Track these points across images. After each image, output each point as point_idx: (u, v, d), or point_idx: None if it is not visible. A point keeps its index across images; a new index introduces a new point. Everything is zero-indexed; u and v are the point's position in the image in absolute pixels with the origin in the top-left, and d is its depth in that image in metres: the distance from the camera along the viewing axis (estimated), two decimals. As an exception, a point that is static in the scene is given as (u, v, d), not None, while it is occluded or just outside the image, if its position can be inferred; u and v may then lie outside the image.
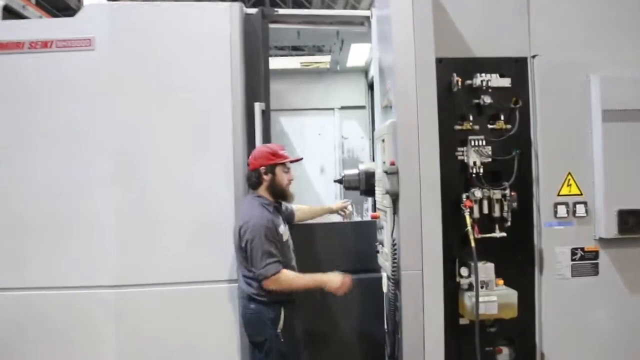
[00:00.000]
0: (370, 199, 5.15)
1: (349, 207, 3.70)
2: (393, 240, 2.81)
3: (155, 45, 3.35)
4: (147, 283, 3.29)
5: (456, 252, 2.91)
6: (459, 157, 2.93)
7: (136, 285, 3.27)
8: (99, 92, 3.30)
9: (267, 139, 3.52)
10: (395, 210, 2.79)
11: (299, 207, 3.53)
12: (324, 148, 5.13)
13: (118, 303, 3.27)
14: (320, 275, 2.97)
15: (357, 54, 4.56)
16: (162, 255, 3.30)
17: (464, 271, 2.86)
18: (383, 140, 2.95)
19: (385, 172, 2.76)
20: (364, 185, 4.06)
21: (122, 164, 3.30)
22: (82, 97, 3.29)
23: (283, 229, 3.04)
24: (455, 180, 2.92)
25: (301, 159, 3.29)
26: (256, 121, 3.41)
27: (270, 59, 3.66)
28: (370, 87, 5.21)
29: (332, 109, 5.17)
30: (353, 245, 3.59)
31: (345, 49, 4.42)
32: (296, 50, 4.83)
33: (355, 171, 4.12)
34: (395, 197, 2.77)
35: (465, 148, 2.93)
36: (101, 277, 3.27)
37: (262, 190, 3.05)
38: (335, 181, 4.18)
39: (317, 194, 5.13)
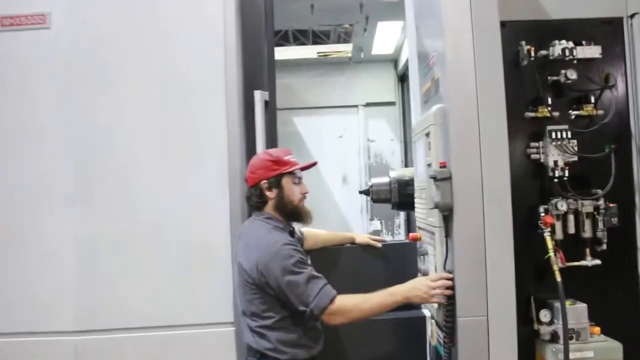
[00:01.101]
0: (402, 214, 4.43)
1: (378, 244, 2.86)
2: (448, 272, 2.06)
3: (126, 24, 2.67)
4: (117, 327, 2.58)
5: (530, 287, 2.15)
6: (533, 156, 2.18)
7: (102, 330, 2.57)
8: (54, 81, 2.63)
9: (272, 138, 2.81)
10: (447, 231, 2.03)
11: (310, 231, 2.79)
12: (347, 153, 4.45)
13: (79, 353, 2.57)
14: (396, 288, 2.15)
15: (385, 37, 3.87)
16: (137, 290, 2.59)
17: (544, 315, 2.10)
18: (427, 135, 2.21)
19: (433, 177, 2.02)
20: (396, 196, 3.37)
21: (84, 174, 2.61)
22: (34, 86, 2.62)
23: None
24: (527, 188, 2.17)
25: (314, 163, 2.53)
26: (257, 114, 2.70)
27: (281, 48, 2.98)
28: (401, 79, 4.51)
29: (356, 106, 4.49)
30: (383, 274, 2.83)
31: (371, 29, 3.74)
32: (316, 38, 4.12)
33: (385, 179, 3.43)
34: (447, 213, 2.02)
35: (540, 143, 2.17)
36: (57, 321, 2.57)
37: (270, 210, 2.33)
38: (361, 192, 3.48)
39: (337, 207, 4.43)
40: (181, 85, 2.67)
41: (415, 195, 2.61)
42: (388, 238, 4.39)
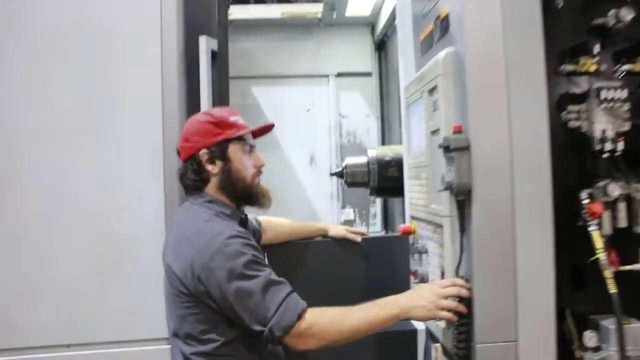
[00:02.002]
0: (379, 201, 3.88)
1: (358, 238, 2.29)
2: (462, 278, 1.51)
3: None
4: (6, 348, 1.97)
5: (566, 297, 1.61)
6: (571, 123, 1.63)
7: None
8: None
9: (222, 99, 2.21)
10: (462, 223, 1.48)
11: (270, 221, 2.21)
12: (315, 130, 3.85)
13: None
14: (390, 299, 1.55)
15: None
16: (45, 301, 1.98)
17: (589, 338, 1.56)
18: (431, 91, 1.64)
19: (445, 147, 1.45)
20: (376, 179, 2.86)
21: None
22: None
23: None
24: (562, 165, 1.62)
25: (271, 126, 1.93)
26: (201, 66, 2.11)
27: (239, 7, 2.38)
28: (379, 46, 3.94)
29: (326, 76, 3.90)
30: (365, 278, 2.28)
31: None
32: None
33: (362, 159, 2.90)
34: (463, 197, 1.46)
35: (582, 106, 1.62)
36: None
37: (213, 191, 1.73)
38: (332, 174, 2.94)
39: (303, 193, 3.84)
40: (102, 33, 2.06)
41: (407, 176, 2.05)
42: (362, 230, 3.83)
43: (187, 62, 2.16)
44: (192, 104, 2.15)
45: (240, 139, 1.72)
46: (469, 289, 1.47)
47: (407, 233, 1.95)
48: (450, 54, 1.54)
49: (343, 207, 3.86)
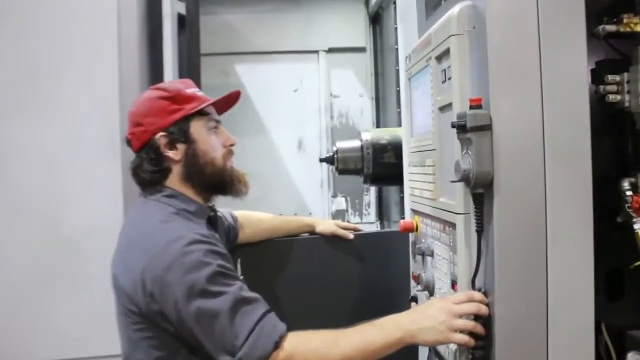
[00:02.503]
0: (373, 190, 3.59)
1: (349, 235, 2.01)
2: (480, 290, 1.21)
3: None
4: None
5: (602, 310, 1.32)
6: (611, 97, 1.32)
7: None
8: None
9: (193, 74, 1.90)
10: (481, 222, 1.18)
11: (248, 215, 1.93)
12: (303, 111, 3.54)
13: None
14: (391, 319, 1.28)
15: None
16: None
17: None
18: (440, 58, 1.34)
19: (460, 126, 1.15)
20: (370, 166, 2.58)
21: None
22: None
23: None
24: (598, 148, 1.32)
25: (236, 94, 1.62)
26: (164, 32, 1.80)
27: None
28: (374, 20, 3.62)
29: (316, 52, 3.58)
30: (358, 282, 2.00)
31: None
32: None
33: (355, 143, 2.61)
34: (482, 189, 1.16)
35: (625, 76, 1.32)
36: None
37: (176, 184, 1.42)
38: (322, 160, 2.65)
39: (291, 181, 3.53)
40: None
41: (409, 162, 1.75)
42: (354, 221, 3.55)
43: (151, 29, 1.86)
44: (157, 79, 1.85)
45: (203, 113, 1.43)
46: (488, 305, 1.18)
47: (408, 230, 1.66)
48: (467, 8, 1.23)
49: (334, 195, 3.56)
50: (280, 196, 3.48)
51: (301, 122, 3.53)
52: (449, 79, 1.28)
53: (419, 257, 1.61)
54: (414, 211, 1.68)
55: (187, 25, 1.91)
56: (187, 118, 1.40)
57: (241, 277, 1.46)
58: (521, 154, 1.14)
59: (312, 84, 3.55)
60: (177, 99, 1.40)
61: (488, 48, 1.15)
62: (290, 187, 3.51)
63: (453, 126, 1.16)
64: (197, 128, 1.41)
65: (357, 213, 3.58)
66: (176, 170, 1.41)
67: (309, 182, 3.53)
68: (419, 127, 1.60)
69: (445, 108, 1.32)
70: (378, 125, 3.56)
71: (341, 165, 2.62)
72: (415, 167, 1.64)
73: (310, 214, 3.52)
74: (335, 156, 2.61)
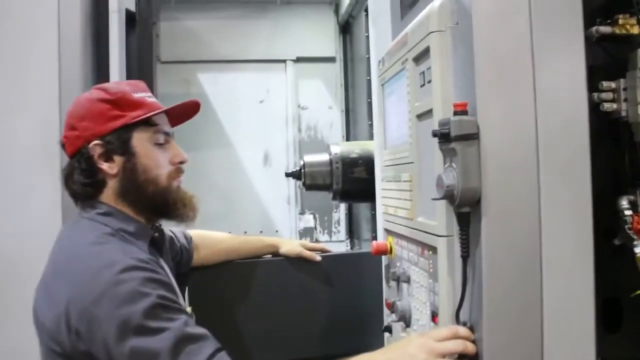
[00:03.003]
0: (343, 206, 3.43)
1: (316, 257, 1.85)
2: (465, 325, 1.05)
3: None
4: None
5: (599, 344, 1.18)
6: (606, 106, 1.19)
7: None
8: None
9: (143, 76, 1.73)
10: (466, 246, 1.02)
11: (204, 235, 1.76)
12: (270, 123, 3.37)
13: None
14: (367, 357, 1.10)
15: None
16: None
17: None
18: (417, 59, 1.20)
19: (443, 134, 0.99)
20: (339, 181, 2.43)
21: None
22: None
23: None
24: (593, 162, 1.18)
25: (193, 104, 1.42)
26: (110, 30, 1.62)
27: None
28: (344, 29, 3.50)
29: (283, 61, 3.42)
30: (327, 310, 1.84)
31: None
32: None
33: (323, 157, 2.47)
34: (468, 209, 1.01)
35: (621, 82, 1.19)
36: None
37: (112, 199, 1.24)
38: (288, 175, 2.49)
39: (256, 197, 3.35)
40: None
41: (382, 177, 1.60)
42: (323, 239, 3.38)
43: (96, 27, 1.68)
44: (102, 81, 1.66)
45: (150, 123, 1.24)
46: (475, 342, 1.03)
47: (381, 253, 1.50)
48: (449, 2, 1.09)
49: (302, 212, 3.39)
50: (245, 213, 3.30)
51: (267, 134, 3.36)
52: (429, 82, 1.13)
53: (393, 283, 1.45)
54: (388, 231, 1.52)
55: (138, 23, 1.74)
56: (129, 127, 1.21)
57: (189, 308, 1.28)
58: (513, 167, 1.00)
59: (279, 95, 3.39)
60: (120, 103, 1.22)
61: (474, 46, 1.01)
62: (255, 203, 3.33)
63: (435, 135, 1.01)
64: (140, 140, 1.23)
65: (326, 231, 3.41)
66: (111, 185, 1.22)
67: (275, 198, 3.36)
68: (394, 139, 1.46)
69: (424, 115, 1.17)
70: (348, 139, 3.42)
71: (309, 180, 2.46)
72: (389, 183, 1.48)
73: (276, 231, 3.34)
74: (303, 170, 2.45)
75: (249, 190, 3.33)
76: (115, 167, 1.21)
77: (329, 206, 3.41)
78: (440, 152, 1.05)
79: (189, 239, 1.68)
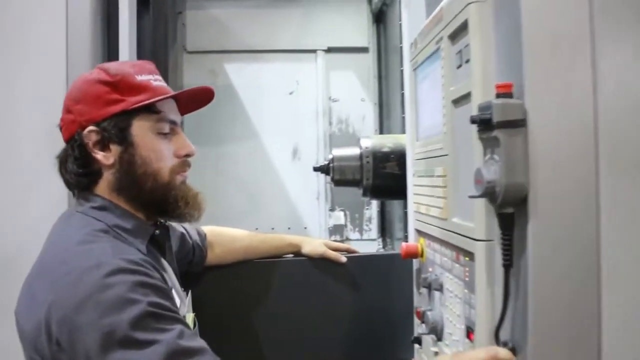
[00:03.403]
0: (375, 204, 3.28)
1: (342, 258, 1.71)
2: (506, 346, 0.89)
3: None
4: None
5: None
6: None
7: None
8: None
9: (157, 60, 1.61)
10: (510, 254, 0.86)
11: (219, 232, 1.66)
12: (299, 116, 3.24)
13: None
14: None
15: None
16: None
17: None
18: (455, 36, 1.04)
19: (484, 121, 0.84)
20: (370, 176, 2.29)
21: None
22: None
23: (174, 295, 1.13)
24: None
25: (205, 91, 1.26)
26: (121, 17, 1.51)
27: None
28: (377, 18, 3.34)
29: (314, 51, 3.29)
30: (351, 316, 1.70)
31: None
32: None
33: (354, 151, 2.33)
34: (512, 209, 0.85)
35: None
36: None
37: (106, 193, 1.13)
38: (316, 169, 2.36)
39: (284, 192, 3.23)
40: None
41: (412, 172, 1.45)
42: (354, 237, 3.24)
43: (106, 9, 1.57)
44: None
45: (153, 110, 1.12)
46: (518, 365, 0.88)
47: (411, 256, 1.35)
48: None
49: (332, 209, 3.25)
50: (272, 209, 3.18)
51: (296, 128, 3.23)
52: (467, 61, 0.98)
53: (424, 290, 1.30)
54: (419, 232, 1.37)
55: (152, 5, 1.63)
56: (129, 113, 1.09)
57: (191, 315, 1.16)
58: (567, 160, 0.84)
59: (309, 87, 3.25)
60: (120, 86, 1.10)
61: (522, 17, 0.85)
62: (283, 199, 3.21)
63: (473, 121, 0.86)
64: (141, 128, 1.10)
65: (356, 229, 3.27)
66: (107, 177, 1.10)
67: (304, 194, 3.23)
68: (427, 129, 1.30)
69: (461, 101, 1.02)
70: (381, 133, 3.27)
71: (337, 175, 2.33)
72: (421, 178, 1.33)
73: (305, 228, 3.21)
74: (331, 165, 2.32)
75: (276, 186, 3.20)
76: (112, 157, 1.09)
77: (361, 203, 3.26)
78: (479, 143, 0.89)
79: (202, 236, 1.56)
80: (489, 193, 0.84)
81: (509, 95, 0.84)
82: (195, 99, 1.27)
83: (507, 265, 0.87)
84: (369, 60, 3.31)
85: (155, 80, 1.15)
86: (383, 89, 3.33)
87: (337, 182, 2.35)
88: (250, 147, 3.19)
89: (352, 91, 3.29)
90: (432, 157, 1.21)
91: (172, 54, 3.18)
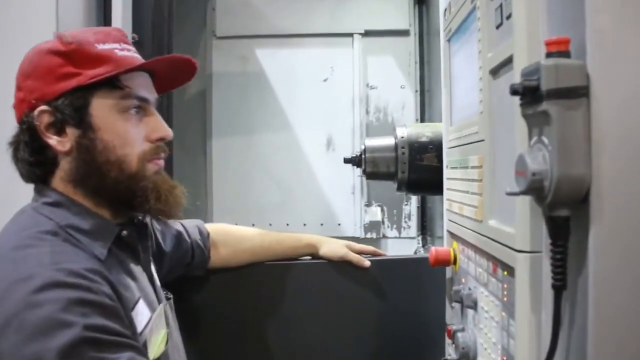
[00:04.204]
0: (414, 199, 3.05)
1: (365, 262, 1.49)
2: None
3: None
4: None
5: None
6: None
7: None
8: None
9: (158, 36, 1.46)
10: (563, 273, 0.63)
11: (224, 230, 1.47)
12: (334, 104, 3.03)
13: None
14: None
15: None
16: None
17: None
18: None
19: (530, 89, 0.61)
20: (406, 169, 2.06)
21: None
22: None
23: (142, 308, 0.94)
24: None
25: (183, 61, 1.06)
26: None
27: None
28: (420, -1, 3.09)
29: (350, 35, 3.06)
30: (375, 328, 1.49)
31: None
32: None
33: (388, 141, 2.10)
34: (569, 209, 0.62)
35: None
36: None
37: (61, 185, 0.95)
38: (347, 161, 2.15)
39: (317, 186, 3.03)
40: None
41: (446, 162, 1.23)
42: (391, 235, 3.01)
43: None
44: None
45: (115, 85, 0.93)
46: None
47: (442, 264, 1.13)
48: None
49: (368, 204, 3.03)
50: (304, 203, 2.99)
51: (331, 116, 3.02)
52: (508, 17, 0.75)
53: (457, 305, 1.08)
54: (452, 235, 1.15)
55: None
56: (86, 89, 0.91)
57: (163, 331, 0.97)
58: (645, 143, 0.60)
59: (344, 73, 3.03)
60: (75, 57, 0.91)
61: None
62: (316, 193, 3.01)
63: (514, 92, 0.63)
64: (101, 107, 0.92)
65: (394, 226, 3.04)
66: (63, 166, 0.93)
67: (338, 188, 3.02)
68: (461, 110, 1.08)
69: (500, 69, 0.79)
70: (422, 122, 3.02)
71: (370, 167, 2.10)
72: (454, 170, 1.11)
73: (339, 225, 3.01)
74: (363, 156, 2.10)
75: (309, 179, 3.01)
76: (68, 143, 0.91)
77: (399, 198, 3.03)
78: (522, 121, 0.67)
79: (205, 235, 1.38)
80: (534, 189, 0.62)
81: (564, 54, 0.61)
82: (175, 73, 1.08)
83: (560, 286, 0.64)
84: (409, 45, 3.06)
85: (122, 49, 0.95)
86: (425, 76, 3.07)
87: (370, 175, 2.13)
88: (282, 137, 3.00)
89: (391, 78, 3.05)
90: (466, 144, 0.99)
91: (201, 40, 3.04)
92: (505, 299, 0.78)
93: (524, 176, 0.62)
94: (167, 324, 1.02)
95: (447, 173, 1.21)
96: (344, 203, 3.03)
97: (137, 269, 1.00)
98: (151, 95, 0.99)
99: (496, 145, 0.83)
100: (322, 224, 2.99)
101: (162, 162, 0.99)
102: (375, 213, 3.03)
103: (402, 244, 2.99)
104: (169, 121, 1.82)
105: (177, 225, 1.31)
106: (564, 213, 0.62)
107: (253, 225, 2.94)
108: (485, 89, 0.86)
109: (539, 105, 0.60)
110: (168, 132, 0.98)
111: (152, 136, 0.97)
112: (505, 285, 0.78)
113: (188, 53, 1.06)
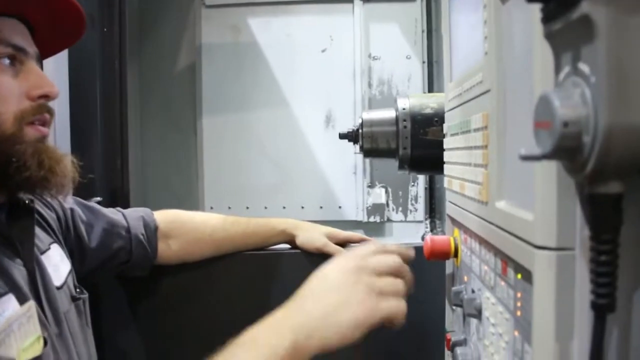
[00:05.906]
0: (422, 179, 2.81)
1: (343, 252, 1.23)
2: None
3: None
4: None
5: None
6: None
7: None
8: None
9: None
10: (608, 281, 0.39)
11: (182, 218, 1.24)
12: (334, 77, 2.78)
13: None
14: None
15: None
16: None
17: None
18: None
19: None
20: (408, 145, 1.83)
21: None
22: None
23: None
24: None
25: (77, 14, 0.84)
26: None
27: None
28: (426, -40, 2.82)
29: (350, 1, 2.81)
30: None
31: None
32: None
33: (388, 113, 1.86)
34: (620, 186, 0.37)
35: None
36: None
37: None
38: (342, 137, 1.91)
39: (316, 165, 2.80)
40: None
41: (446, 128, 0.99)
42: (397, 218, 2.78)
43: None
44: None
45: None
46: None
47: (439, 257, 0.89)
48: None
49: (371, 185, 2.79)
50: (303, 184, 2.77)
51: (330, 90, 2.78)
52: None
53: (459, 310, 0.85)
54: (453, 220, 0.91)
55: None
56: None
57: (34, 336, 0.74)
58: None
59: (345, 43, 2.79)
60: None
61: None
62: (315, 173, 2.79)
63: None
64: None
65: (400, 208, 2.81)
66: None
67: (339, 168, 2.79)
68: (462, 60, 0.84)
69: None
70: (430, 90, 2.78)
71: (367, 143, 1.86)
72: (454, 137, 0.87)
73: (340, 207, 2.79)
74: (360, 131, 1.86)
75: (307, 158, 2.78)
76: None
77: (406, 178, 2.80)
78: (546, 47, 0.43)
79: (152, 228, 1.15)
80: (566, 148, 0.38)
81: None
82: (58, 27, 0.86)
83: (604, 305, 0.40)
84: (416, 11, 2.80)
85: None
86: (433, 45, 2.81)
87: (368, 152, 1.88)
88: (277, 114, 2.77)
89: (395, 47, 2.79)
90: (467, 100, 0.75)
91: (190, 9, 2.83)
92: (518, 312, 0.54)
93: (549, 129, 0.38)
94: (46, 326, 0.80)
95: (446, 142, 0.97)
96: (344, 184, 2.80)
97: (10, 263, 0.77)
98: (30, 47, 0.80)
99: (507, 95, 0.59)
100: (321, 207, 2.78)
101: (46, 130, 0.78)
102: (379, 195, 2.79)
103: (409, 228, 2.76)
104: (123, 90, 1.60)
105: (115, 215, 1.09)
106: (615, 189, 0.38)
107: (247, 208, 2.79)
108: (491, 20, 0.62)
109: (575, 10, 0.36)
110: (53, 89, 0.78)
111: (33, 92, 0.77)
112: (519, 295, 0.54)
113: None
